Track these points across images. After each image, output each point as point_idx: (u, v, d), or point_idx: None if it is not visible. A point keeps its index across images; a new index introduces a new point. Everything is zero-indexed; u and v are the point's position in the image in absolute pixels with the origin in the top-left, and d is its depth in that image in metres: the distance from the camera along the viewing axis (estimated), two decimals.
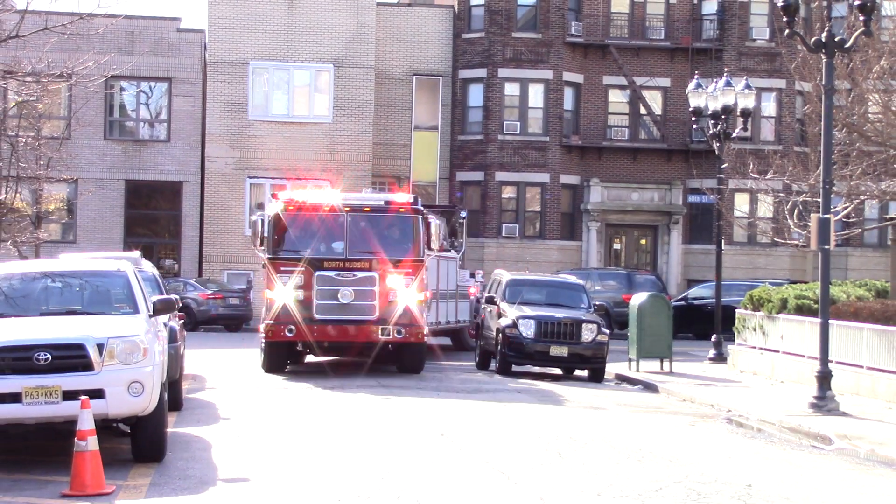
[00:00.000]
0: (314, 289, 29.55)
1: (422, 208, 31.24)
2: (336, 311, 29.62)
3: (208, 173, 55.84)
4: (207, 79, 55.96)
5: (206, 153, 55.90)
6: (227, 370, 31.91)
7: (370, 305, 29.64)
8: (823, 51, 25.81)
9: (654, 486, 16.00)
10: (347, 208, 30.22)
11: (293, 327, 29.58)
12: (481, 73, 57.57)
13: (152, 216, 57.67)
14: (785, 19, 26.03)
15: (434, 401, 25.79)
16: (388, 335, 29.69)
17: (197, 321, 47.33)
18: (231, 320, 50.35)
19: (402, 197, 31.74)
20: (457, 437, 20.38)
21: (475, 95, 57.93)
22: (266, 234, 30.26)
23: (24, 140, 31.47)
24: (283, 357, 31.16)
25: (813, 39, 26.31)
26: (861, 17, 25.52)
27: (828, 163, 25.79)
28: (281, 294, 29.65)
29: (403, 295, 29.72)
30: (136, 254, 28.50)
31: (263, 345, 30.89)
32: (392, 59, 57.69)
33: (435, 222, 31.08)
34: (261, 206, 54.95)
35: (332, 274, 29.59)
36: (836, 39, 25.78)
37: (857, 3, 25.64)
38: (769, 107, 57.43)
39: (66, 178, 42.79)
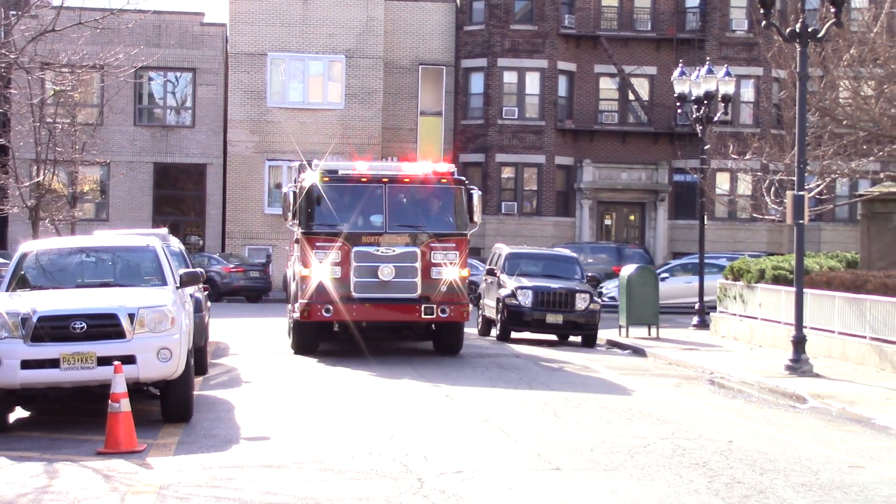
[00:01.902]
0: (352, 265, 25.81)
1: (464, 179, 28.04)
2: (376, 290, 25.87)
3: (230, 156, 55.90)
4: (229, 69, 55.98)
5: (228, 138, 55.96)
6: (248, 338, 31.92)
7: (412, 283, 25.93)
8: (798, 41, 25.72)
9: (643, 443, 16.00)
10: (386, 179, 26.49)
11: (330, 307, 25.75)
12: (482, 62, 57.47)
13: (179, 196, 57.65)
14: (762, 11, 25.95)
15: (438, 364, 25.90)
16: (432, 314, 25.99)
17: (220, 293, 47.36)
18: (252, 292, 50.43)
19: (444, 167, 27.70)
20: (461, 398, 20.39)
21: (476, 83, 57.84)
22: (299, 207, 26.70)
23: (60, 126, 31.43)
24: (315, 338, 27.33)
25: (788, 30, 26.21)
26: (833, 10, 25.43)
27: (802, 144, 25.74)
28: (317, 271, 25.87)
29: (447, 271, 26.08)
30: (164, 231, 28.48)
31: (294, 324, 27.59)
32: (399, 49, 57.60)
33: (477, 194, 27.08)
34: (279, 187, 55.47)
35: (371, 249, 25.84)
36: (809, 30, 25.69)
37: None
38: (748, 93, 57.32)
39: (100, 162, 42.95)
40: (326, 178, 26.48)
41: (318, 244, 26.01)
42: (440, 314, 26.05)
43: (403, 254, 25.92)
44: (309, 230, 26.38)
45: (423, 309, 25.91)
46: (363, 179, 26.54)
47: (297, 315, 26.70)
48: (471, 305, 27.83)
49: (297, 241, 27.45)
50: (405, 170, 27.14)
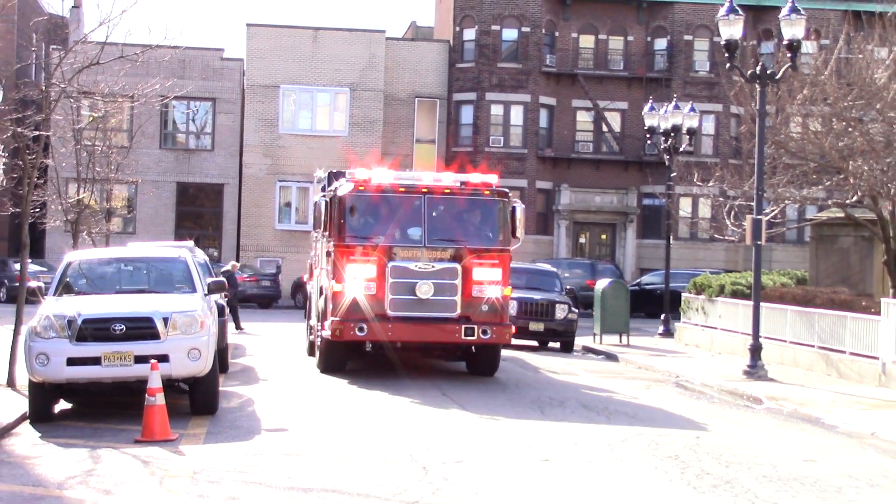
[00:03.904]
0: (388, 282, 21.87)
1: (507, 191, 23.57)
2: (413, 308, 21.95)
3: (245, 177, 56.00)
4: (245, 99, 56.13)
5: (243, 160, 56.05)
6: (262, 340, 32.02)
7: (451, 301, 22.01)
8: (758, 81, 25.97)
9: (620, 438, 16.11)
10: (425, 190, 22.49)
11: (364, 326, 21.83)
12: (472, 96, 57.61)
13: (198, 212, 57.65)
14: (727, 55, 26.22)
15: (434, 366, 25.79)
16: (473, 336, 22.00)
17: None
18: (263, 299, 50.50)
19: (485, 178, 23.21)
20: (457, 396, 20.46)
21: (466, 114, 57.95)
22: (331, 218, 22.89)
23: (99, 149, 31.52)
24: (344, 357, 23.68)
25: (749, 72, 26.45)
26: (789, 55, 25.67)
27: (761, 174, 25.94)
28: (351, 287, 21.95)
29: (489, 290, 22.17)
30: (191, 243, 28.40)
31: (323, 343, 23.48)
32: (398, 83, 57.72)
33: (521, 207, 23.15)
34: (288, 206, 55.59)
35: (408, 265, 21.93)
36: (768, 72, 25.94)
37: (785, 42, 25.80)
38: (709, 126, 57.45)
39: (130, 181, 42.91)
40: (361, 188, 22.63)
41: (351, 258, 22.08)
42: (481, 336, 22.08)
43: (443, 270, 22.06)
44: (342, 243, 22.41)
45: (463, 329, 22.00)
46: (401, 189, 22.56)
47: (326, 333, 22.69)
48: (513, 327, 23.70)
49: (328, 253, 23.31)
50: (445, 180, 23.16)
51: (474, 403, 19.53)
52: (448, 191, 22.69)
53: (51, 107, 20.16)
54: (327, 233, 23.11)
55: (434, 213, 22.49)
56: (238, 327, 36.16)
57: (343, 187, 22.76)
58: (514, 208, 22.91)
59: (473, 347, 23.34)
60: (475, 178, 23.21)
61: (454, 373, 24.86)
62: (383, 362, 24.43)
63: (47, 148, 26.12)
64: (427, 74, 58.14)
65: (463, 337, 22.09)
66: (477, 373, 23.90)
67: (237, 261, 54.31)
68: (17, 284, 20.41)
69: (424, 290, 21.90)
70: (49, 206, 29.16)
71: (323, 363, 23.74)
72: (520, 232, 22.93)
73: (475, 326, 21.97)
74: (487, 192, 22.82)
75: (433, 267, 22.02)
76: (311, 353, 26.17)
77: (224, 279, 22.64)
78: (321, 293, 24.16)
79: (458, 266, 22.06)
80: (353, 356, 23.95)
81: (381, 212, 22.61)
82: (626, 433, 16.62)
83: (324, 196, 24.21)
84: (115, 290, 18.36)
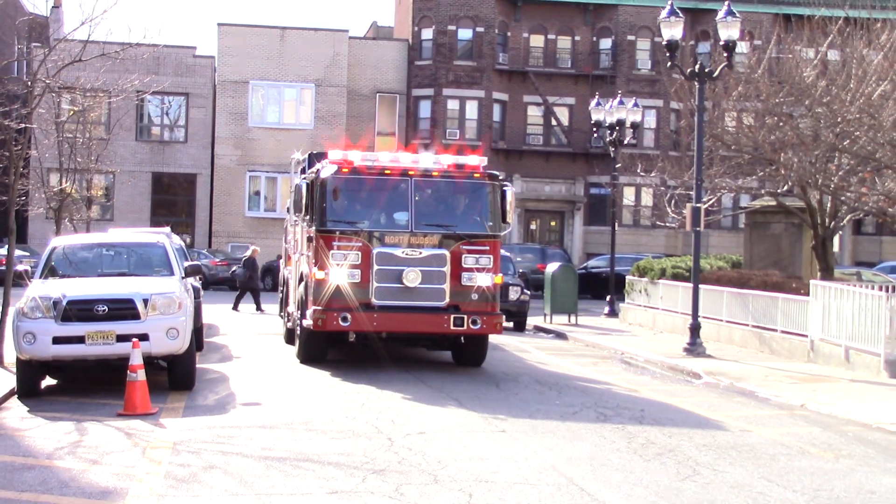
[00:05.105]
0: (373, 269, 19.59)
1: (497, 174, 21.16)
2: (399, 297, 19.65)
3: (217, 168, 55.76)
4: (217, 94, 55.82)
5: (215, 152, 55.79)
6: (234, 321, 31.90)
7: (440, 290, 19.71)
8: (696, 79, 26.14)
9: (571, 411, 16.23)
10: (413, 172, 20.15)
11: (348, 315, 19.55)
12: (429, 91, 57.59)
13: (172, 200, 57.32)
14: (667, 54, 26.38)
15: (397, 347, 25.77)
16: (462, 326, 19.70)
17: (208, 282, 46.96)
18: (234, 282, 50.15)
19: (474, 160, 20.78)
20: (420, 374, 20.50)
21: (424, 109, 57.94)
22: (313, 202, 20.42)
23: (81, 140, 31.27)
24: (325, 347, 21.26)
25: (688, 70, 26.62)
26: (725, 54, 25.87)
27: (699, 165, 26.13)
28: (334, 275, 19.61)
29: (479, 277, 19.90)
30: (167, 229, 28.29)
31: (304, 333, 21.12)
32: (360, 80, 57.61)
33: (511, 191, 20.69)
34: (257, 194, 55.40)
35: (394, 251, 19.62)
36: (705, 71, 26.11)
37: (722, 43, 26.00)
38: (651, 121, 57.67)
39: (108, 171, 42.66)
40: (346, 170, 20.20)
41: (334, 244, 19.77)
42: (471, 326, 19.80)
43: (431, 257, 19.75)
44: (324, 227, 20.00)
45: (451, 319, 19.71)
46: (387, 172, 20.21)
47: (308, 323, 20.39)
48: (504, 318, 21.40)
49: (309, 238, 20.99)
50: (434, 162, 20.79)
51: (435, 379, 19.62)
52: (436, 174, 20.37)
53: (35, 101, 20.02)
54: (308, 217, 20.77)
55: (421, 197, 20.20)
56: (258, 308, 37.10)
57: (326, 169, 20.35)
58: (504, 192, 20.53)
59: (462, 338, 21.13)
60: (465, 160, 20.83)
61: (417, 352, 24.83)
62: (358, 343, 23.27)
63: (31, 140, 25.90)
64: (387, 71, 58.05)
65: (452, 327, 19.83)
66: (463, 363, 21.68)
67: (210, 246, 54.19)
68: (4, 268, 20.25)
69: (411, 277, 19.62)
70: (32, 194, 28.95)
71: (303, 353, 21.45)
72: (510, 217, 20.64)
73: (465, 316, 19.73)
74: (477, 176, 20.51)
75: (420, 253, 19.72)
76: (290, 340, 24.42)
77: (199, 263, 22.54)
78: (301, 280, 22.06)
79: (446, 252, 19.80)
80: (334, 345, 21.77)
81: (366, 195, 20.31)
82: (576, 406, 16.75)
83: (304, 179, 22.00)
84: (98, 273, 18.33)
